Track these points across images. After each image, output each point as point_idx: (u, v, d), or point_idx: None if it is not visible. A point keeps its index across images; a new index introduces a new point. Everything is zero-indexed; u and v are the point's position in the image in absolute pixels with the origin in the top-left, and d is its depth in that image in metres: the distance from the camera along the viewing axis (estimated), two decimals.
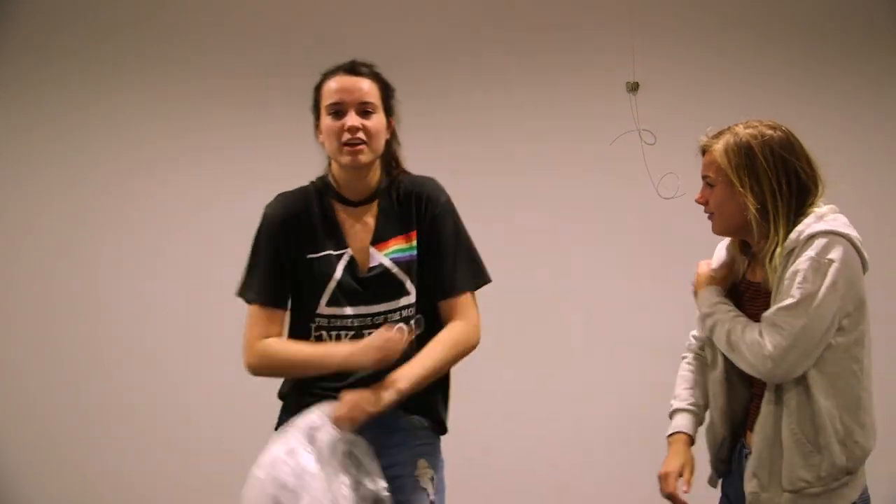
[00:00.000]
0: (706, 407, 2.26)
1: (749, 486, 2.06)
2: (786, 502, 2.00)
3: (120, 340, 3.89)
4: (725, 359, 2.14)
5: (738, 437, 2.20)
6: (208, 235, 3.92)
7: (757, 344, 1.99)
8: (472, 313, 2.21)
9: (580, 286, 3.93)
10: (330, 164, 2.24)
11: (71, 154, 3.93)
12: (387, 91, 2.21)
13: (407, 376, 2.08)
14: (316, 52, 3.94)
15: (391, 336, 2.03)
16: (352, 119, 2.11)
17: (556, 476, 3.86)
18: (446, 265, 2.21)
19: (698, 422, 2.27)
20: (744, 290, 2.19)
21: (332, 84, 2.15)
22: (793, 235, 2.03)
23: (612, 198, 3.92)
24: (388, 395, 2.05)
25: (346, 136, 2.11)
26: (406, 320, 2.17)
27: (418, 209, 2.23)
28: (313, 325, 2.17)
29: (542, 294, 3.91)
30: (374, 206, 2.22)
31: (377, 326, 2.12)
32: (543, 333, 3.90)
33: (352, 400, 2.03)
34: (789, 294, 1.97)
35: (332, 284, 2.14)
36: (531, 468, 3.88)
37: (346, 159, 2.13)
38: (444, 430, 2.27)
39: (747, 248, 2.22)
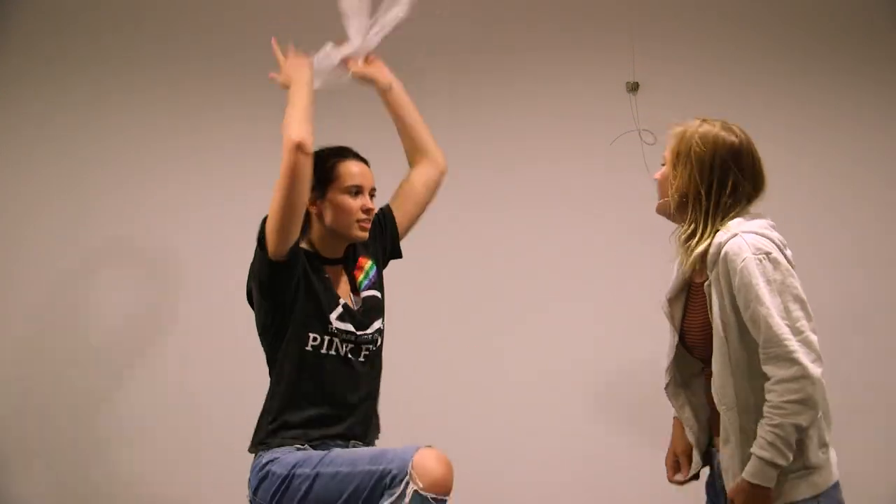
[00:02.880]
0: None
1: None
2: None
3: (120, 340, 3.89)
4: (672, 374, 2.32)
5: (711, 443, 2.30)
6: (209, 235, 3.92)
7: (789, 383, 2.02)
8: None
9: (580, 286, 3.93)
10: (310, 232, 2.45)
11: (71, 154, 3.93)
12: None
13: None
14: (316, 51, 3.97)
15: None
16: (370, 202, 2.42)
17: (553, 477, 3.86)
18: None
19: None
20: (696, 290, 2.27)
21: (352, 168, 2.41)
22: (715, 241, 2.11)
23: (611, 198, 3.93)
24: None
25: (364, 217, 2.40)
26: (380, 333, 2.49)
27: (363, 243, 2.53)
28: (325, 332, 2.37)
29: (541, 294, 3.91)
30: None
31: (366, 344, 2.42)
32: (542, 333, 3.90)
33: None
34: (751, 312, 2.04)
35: (339, 306, 2.40)
36: (530, 469, 3.88)
37: (359, 234, 2.42)
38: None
39: None
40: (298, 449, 2.30)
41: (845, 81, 3.94)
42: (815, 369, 2.00)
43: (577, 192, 3.95)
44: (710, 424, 2.29)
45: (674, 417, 2.41)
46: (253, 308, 2.47)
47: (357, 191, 2.39)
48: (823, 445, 2.08)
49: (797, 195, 3.84)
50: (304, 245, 2.42)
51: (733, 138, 2.17)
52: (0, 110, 3.93)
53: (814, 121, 3.97)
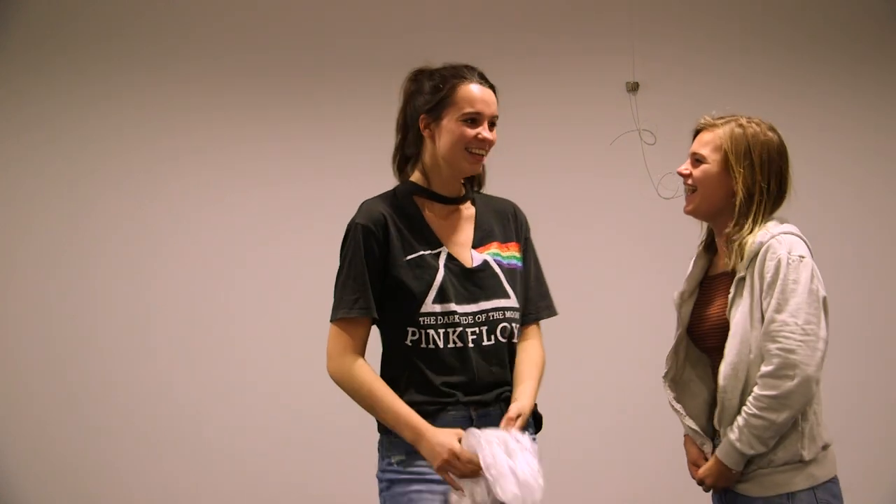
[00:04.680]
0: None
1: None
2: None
3: (120, 341, 3.88)
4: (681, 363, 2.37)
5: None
6: (208, 235, 3.92)
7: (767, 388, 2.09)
8: (541, 338, 2.39)
9: (580, 286, 3.93)
10: (421, 163, 2.23)
11: (70, 154, 3.92)
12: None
13: (530, 398, 2.19)
14: (315, 52, 3.97)
15: (458, 465, 2.02)
16: (487, 132, 2.16)
17: (556, 475, 3.86)
18: (540, 289, 2.37)
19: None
20: (709, 285, 2.34)
21: (473, 92, 2.16)
22: (757, 239, 2.16)
23: (612, 198, 3.93)
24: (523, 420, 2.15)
25: (478, 147, 2.16)
26: (509, 322, 2.21)
27: (517, 228, 2.31)
28: (419, 325, 2.13)
29: None
30: (466, 210, 2.27)
31: (483, 325, 2.16)
32: (542, 334, 3.90)
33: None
34: (774, 301, 2.10)
35: (437, 281, 2.14)
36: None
37: (469, 167, 2.18)
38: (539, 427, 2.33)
39: (710, 248, 2.39)
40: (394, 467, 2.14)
41: (845, 82, 3.94)
42: (803, 371, 2.04)
43: (577, 192, 3.94)
44: (711, 414, 2.31)
45: (685, 434, 2.38)
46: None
47: (475, 119, 2.14)
48: (817, 440, 2.13)
49: (796, 195, 3.83)
50: (415, 176, 2.22)
51: (778, 137, 2.26)
52: (0, 110, 3.93)
53: (813, 121, 3.97)
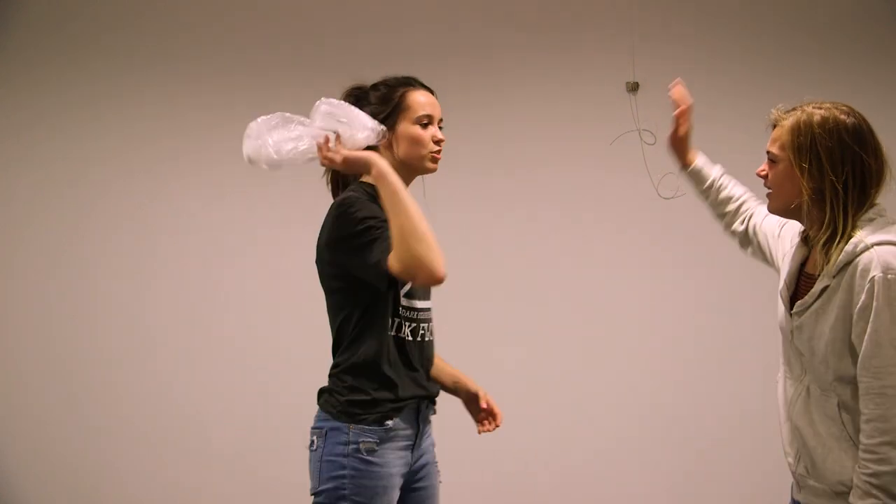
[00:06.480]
0: None
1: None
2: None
3: (120, 341, 3.89)
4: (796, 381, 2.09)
5: None
6: (208, 235, 3.92)
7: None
8: None
9: (580, 286, 3.93)
10: None
11: (70, 154, 3.93)
12: None
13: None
14: (314, 53, 3.97)
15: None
16: (440, 133, 2.32)
17: (555, 476, 3.86)
18: None
19: None
20: (809, 284, 2.06)
21: (422, 97, 2.32)
22: (849, 247, 1.92)
23: (612, 198, 3.92)
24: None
25: (435, 147, 2.31)
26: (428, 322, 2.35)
27: None
28: (398, 316, 2.23)
29: (541, 294, 3.91)
30: None
31: (429, 322, 2.32)
32: (542, 333, 3.90)
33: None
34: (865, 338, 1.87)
35: None
36: (529, 469, 3.88)
37: (431, 165, 2.32)
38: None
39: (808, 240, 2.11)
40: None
41: (845, 82, 3.93)
42: None
43: (577, 192, 3.94)
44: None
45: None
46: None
47: (427, 121, 2.30)
48: None
49: None
50: (368, 179, 2.22)
51: (853, 119, 2.03)
52: (0, 110, 3.93)
53: None
